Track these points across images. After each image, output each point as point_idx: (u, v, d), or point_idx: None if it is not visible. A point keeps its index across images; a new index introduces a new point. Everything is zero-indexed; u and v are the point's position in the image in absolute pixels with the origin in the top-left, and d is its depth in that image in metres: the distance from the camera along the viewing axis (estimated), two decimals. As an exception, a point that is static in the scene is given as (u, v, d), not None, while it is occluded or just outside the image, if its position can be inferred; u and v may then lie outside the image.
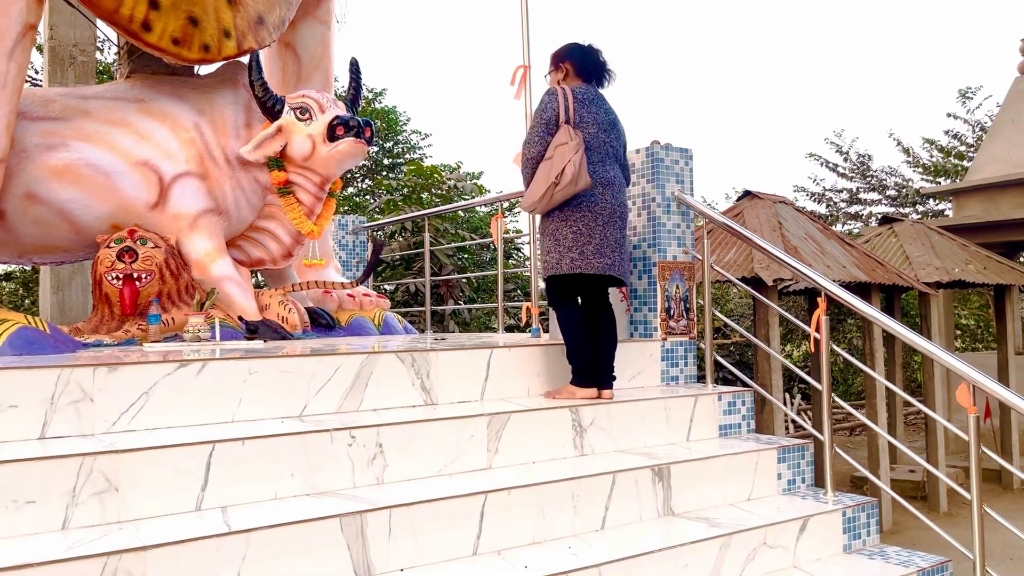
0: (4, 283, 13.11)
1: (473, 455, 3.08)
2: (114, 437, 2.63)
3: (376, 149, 15.19)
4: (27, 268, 11.43)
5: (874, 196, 18.32)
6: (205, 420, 2.89)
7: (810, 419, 12.60)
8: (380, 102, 15.49)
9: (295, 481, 2.70)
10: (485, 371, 3.57)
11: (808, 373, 10.11)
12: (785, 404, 12.68)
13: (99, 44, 9.76)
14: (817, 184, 18.71)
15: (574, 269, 3.55)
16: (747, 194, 7.70)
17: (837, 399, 3.62)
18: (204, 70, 4.77)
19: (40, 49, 7.97)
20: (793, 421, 12.34)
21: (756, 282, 6.42)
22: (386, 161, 15.43)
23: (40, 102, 4.13)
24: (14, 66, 3.66)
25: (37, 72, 10.69)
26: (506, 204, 9.88)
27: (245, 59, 4.43)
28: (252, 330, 4.31)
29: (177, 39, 4.02)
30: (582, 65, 3.74)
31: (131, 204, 4.15)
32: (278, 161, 4.44)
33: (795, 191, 18.73)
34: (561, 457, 3.31)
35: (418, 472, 2.94)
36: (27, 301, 11.95)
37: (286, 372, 3.06)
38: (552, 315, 4.24)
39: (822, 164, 18.66)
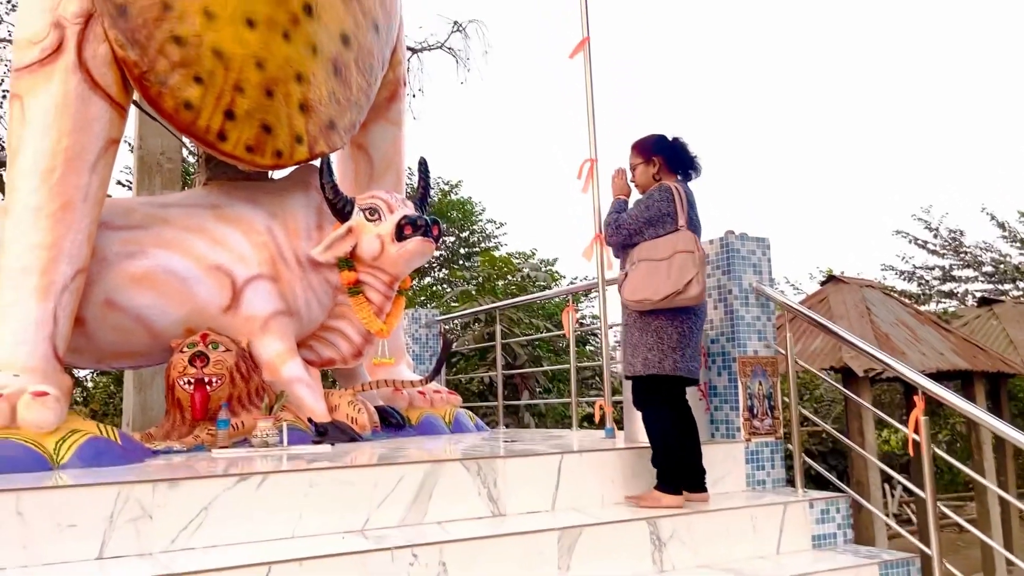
0: (99, 377, 13.59)
1: (543, 573, 2.88)
2: (172, 556, 2.56)
3: (452, 239, 15.41)
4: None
5: (969, 273, 17.53)
6: (265, 535, 2.79)
7: (914, 513, 11.79)
8: (456, 193, 15.80)
9: (354, 604, 2.56)
10: (556, 478, 3.39)
11: (909, 470, 9.48)
12: (884, 496, 11.91)
13: (193, 151, 10.27)
14: (906, 262, 18.06)
15: (677, 371, 3.43)
16: (831, 279, 7.39)
17: (945, 510, 3.30)
18: (277, 174, 4.89)
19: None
20: (896, 517, 11.56)
21: (846, 372, 6.08)
22: (462, 250, 15.62)
23: (122, 212, 4.26)
24: (96, 179, 3.80)
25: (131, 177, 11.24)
26: (577, 293, 9.77)
27: (317, 162, 4.52)
28: (321, 432, 4.25)
29: (251, 146, 4.12)
30: (676, 159, 3.67)
31: (205, 308, 4.21)
32: (348, 261, 4.46)
33: (883, 269, 18.12)
34: (639, 574, 3.08)
35: (484, 593, 2.76)
36: (118, 396, 12.32)
37: (347, 484, 2.96)
38: (629, 414, 4.05)
39: (910, 241, 18.04)
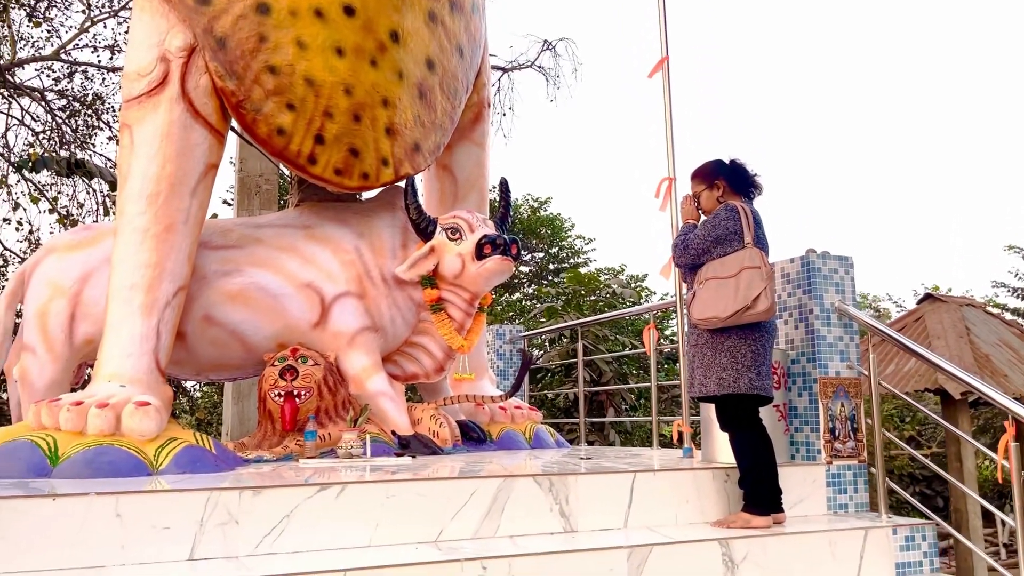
0: (205, 388, 14.26)
1: (612, 591, 2.91)
2: (256, 560, 2.71)
3: (541, 255, 15.50)
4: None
5: (1089, 290, 16.44)
6: (343, 543, 2.91)
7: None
8: (545, 210, 15.90)
9: (425, 613, 2.65)
10: (628, 496, 3.40)
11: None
12: (993, 524, 11.29)
13: (286, 174, 10.74)
14: (1020, 279, 17.08)
15: (752, 390, 3.43)
16: (928, 297, 7.11)
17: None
18: (366, 195, 5.08)
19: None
20: (1006, 548, 10.97)
21: (944, 394, 5.84)
22: (551, 266, 15.70)
23: (220, 232, 4.52)
24: (196, 202, 4.05)
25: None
26: (659, 312, 9.69)
27: (402, 183, 4.67)
28: (404, 445, 4.39)
29: (339, 169, 4.30)
30: (738, 180, 3.70)
31: (296, 324, 4.41)
32: (431, 279, 4.60)
33: (994, 287, 17.18)
34: (710, 596, 3.06)
35: (552, 608, 2.80)
36: (221, 406, 12.88)
37: (422, 496, 3.06)
38: (707, 434, 4.02)
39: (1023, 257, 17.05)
